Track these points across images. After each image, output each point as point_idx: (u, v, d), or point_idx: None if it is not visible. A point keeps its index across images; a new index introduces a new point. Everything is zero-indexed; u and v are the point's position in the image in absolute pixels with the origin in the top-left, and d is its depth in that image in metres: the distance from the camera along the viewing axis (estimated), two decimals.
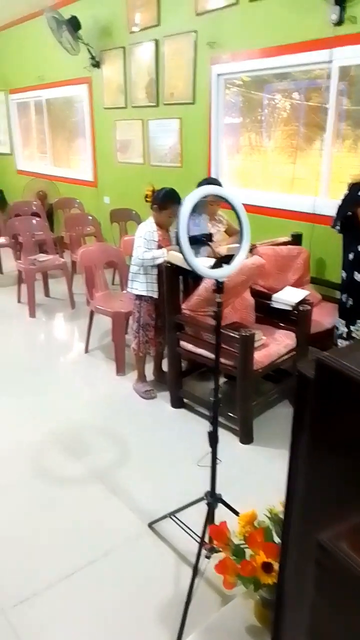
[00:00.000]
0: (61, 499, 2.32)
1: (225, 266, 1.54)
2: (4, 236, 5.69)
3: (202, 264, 1.54)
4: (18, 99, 7.52)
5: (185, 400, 3.09)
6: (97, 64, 5.46)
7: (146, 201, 3.08)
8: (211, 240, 1.59)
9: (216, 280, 1.54)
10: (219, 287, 1.55)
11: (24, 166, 7.85)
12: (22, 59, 7.08)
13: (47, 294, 5.14)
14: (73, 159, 6.81)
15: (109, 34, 5.27)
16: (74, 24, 5.17)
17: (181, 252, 1.48)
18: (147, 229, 3.01)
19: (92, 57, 5.43)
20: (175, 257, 2.71)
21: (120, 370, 3.51)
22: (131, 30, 4.97)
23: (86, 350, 3.86)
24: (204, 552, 1.76)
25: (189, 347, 2.92)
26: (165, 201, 2.98)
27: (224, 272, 1.51)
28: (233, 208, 1.54)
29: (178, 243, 1.50)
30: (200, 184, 3.38)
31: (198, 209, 1.48)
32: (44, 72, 6.56)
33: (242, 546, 1.62)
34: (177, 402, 3.08)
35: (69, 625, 1.72)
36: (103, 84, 5.56)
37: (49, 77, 6.50)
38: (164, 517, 2.03)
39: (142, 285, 3.06)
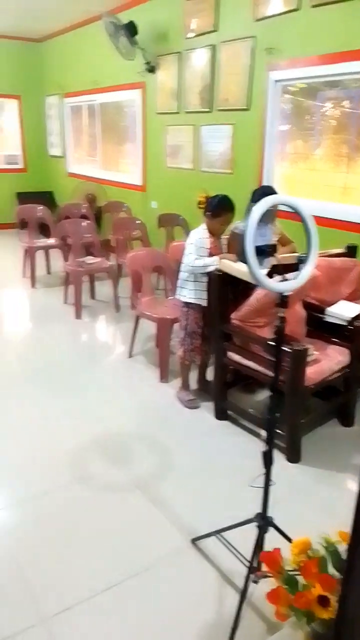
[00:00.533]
0: (102, 506, 2.29)
1: (291, 279, 1.47)
2: (53, 237, 5.78)
3: (265, 276, 1.47)
4: (72, 102, 7.66)
5: (229, 412, 3.02)
6: (151, 69, 5.48)
7: (199, 208, 3.03)
8: (276, 252, 1.52)
9: (280, 294, 1.47)
10: (283, 301, 1.48)
11: (74, 169, 7.99)
12: (77, 63, 7.21)
13: (92, 296, 5.18)
14: (122, 162, 6.87)
15: (165, 39, 5.28)
16: (131, 29, 5.21)
17: (246, 262, 1.42)
18: (198, 236, 2.96)
19: (147, 62, 5.45)
20: (229, 266, 2.66)
21: (164, 377, 3.47)
22: (187, 35, 4.96)
23: (130, 355, 3.85)
24: (251, 576, 1.68)
25: (236, 358, 2.85)
26: (219, 208, 2.93)
27: (291, 286, 1.44)
28: (302, 219, 1.47)
29: (242, 253, 1.44)
30: (255, 192, 3.31)
31: (265, 218, 1.41)
32: (98, 76, 6.66)
33: (293, 573, 1.54)
34: (221, 414, 3.01)
35: (108, 638, 1.68)
36: (157, 89, 5.58)
37: (103, 82, 6.58)
38: (210, 534, 1.97)
39: (190, 292, 3.01)
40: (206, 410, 3.09)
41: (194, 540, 2.05)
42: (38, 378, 3.50)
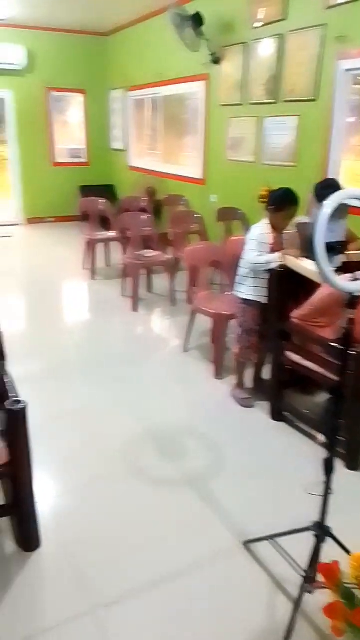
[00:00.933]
0: (154, 500, 2.29)
1: None
2: (113, 230, 5.85)
3: (334, 274, 1.40)
4: (135, 96, 7.72)
5: (285, 413, 2.94)
6: (216, 60, 5.39)
7: (260, 202, 2.95)
8: (346, 249, 1.44)
9: (351, 294, 1.38)
10: (353, 301, 1.39)
11: (136, 162, 8.05)
12: (142, 56, 7.24)
13: (149, 289, 5.21)
14: (183, 156, 6.84)
15: (231, 29, 5.18)
16: (197, 20, 5.16)
17: (313, 259, 1.35)
18: (260, 231, 2.89)
19: (212, 54, 5.38)
20: (294, 263, 2.57)
21: (218, 373, 3.43)
22: (254, 25, 4.85)
23: (184, 349, 3.83)
24: (306, 586, 1.62)
25: (295, 358, 2.76)
26: (282, 202, 2.84)
27: None
28: None
29: (309, 249, 1.37)
30: (318, 185, 3.20)
31: (337, 213, 1.33)
32: (162, 69, 6.66)
33: (351, 587, 1.47)
34: (276, 415, 2.93)
35: (157, 635, 1.67)
36: (220, 80, 5.50)
37: (167, 75, 6.57)
38: (263, 538, 1.92)
39: (250, 289, 2.95)
40: (261, 410, 3.02)
41: (247, 543, 2.00)
42: (94, 368, 3.56)
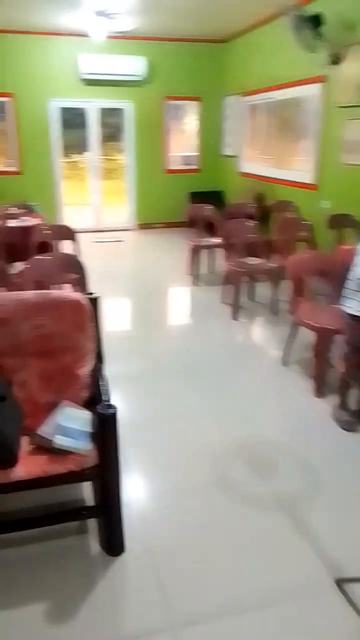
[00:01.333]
0: (241, 519, 2.20)
1: None
2: (219, 236, 5.83)
3: None
4: (249, 101, 7.65)
5: None
6: (336, 61, 5.14)
7: None
8: None
9: None
10: None
11: (246, 168, 7.97)
12: (257, 62, 7.17)
13: (251, 297, 5.10)
14: (294, 160, 6.63)
15: (352, 28, 4.90)
16: (316, 21, 4.96)
17: None
18: None
19: (332, 54, 5.13)
20: None
21: (319, 391, 3.23)
22: None
23: (284, 363, 3.68)
24: None
25: None
26: None
27: None
28: None
29: None
30: None
31: None
32: (277, 73, 6.52)
33: None
34: None
35: None
36: (339, 81, 5.23)
37: (282, 78, 6.42)
38: None
39: (359, 304, 2.72)
40: None
41: (339, 582, 1.83)
42: (190, 374, 3.55)
